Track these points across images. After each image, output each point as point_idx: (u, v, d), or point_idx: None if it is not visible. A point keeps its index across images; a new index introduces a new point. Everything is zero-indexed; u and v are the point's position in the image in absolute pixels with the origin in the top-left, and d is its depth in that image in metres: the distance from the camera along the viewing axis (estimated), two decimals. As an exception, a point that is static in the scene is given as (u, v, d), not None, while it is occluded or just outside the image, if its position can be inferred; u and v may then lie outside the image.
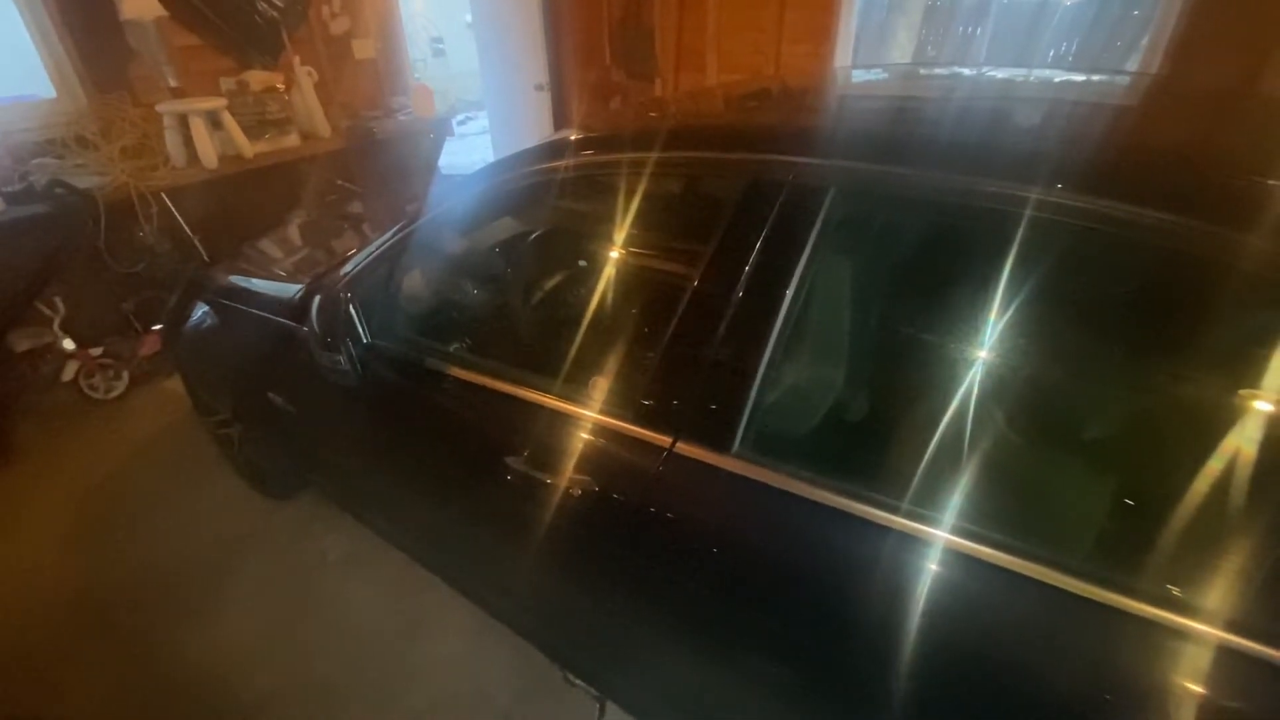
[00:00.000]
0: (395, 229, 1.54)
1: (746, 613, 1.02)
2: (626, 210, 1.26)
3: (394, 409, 1.48)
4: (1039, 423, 1.13)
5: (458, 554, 1.63)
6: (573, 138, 1.32)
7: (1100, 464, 1.07)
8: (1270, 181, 0.77)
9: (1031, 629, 0.80)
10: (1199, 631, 0.70)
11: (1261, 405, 0.82)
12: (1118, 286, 1.05)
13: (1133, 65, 2.89)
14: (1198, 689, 0.70)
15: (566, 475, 1.12)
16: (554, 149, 1.32)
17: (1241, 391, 0.86)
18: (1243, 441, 0.81)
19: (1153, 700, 0.72)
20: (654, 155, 1.15)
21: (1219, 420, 0.84)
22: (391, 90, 4.15)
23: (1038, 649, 0.79)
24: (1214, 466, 0.82)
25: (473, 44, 4.52)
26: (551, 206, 1.41)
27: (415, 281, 1.49)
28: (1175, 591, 0.73)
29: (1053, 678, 0.78)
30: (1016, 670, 0.80)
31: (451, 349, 1.44)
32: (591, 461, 1.11)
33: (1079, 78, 1.49)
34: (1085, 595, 0.75)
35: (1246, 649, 0.68)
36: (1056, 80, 1.46)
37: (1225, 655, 0.69)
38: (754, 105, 1.44)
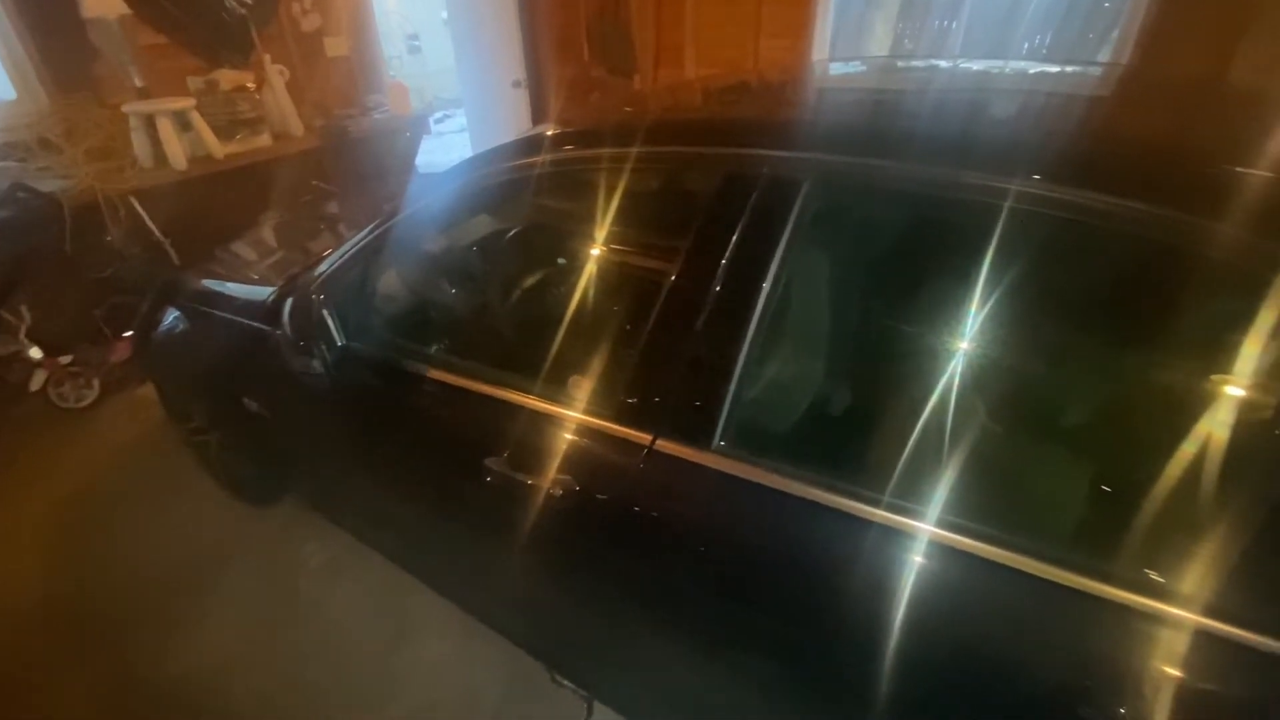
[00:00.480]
0: (369, 229, 1.51)
1: (730, 609, 1.01)
2: (603, 207, 1.24)
3: (372, 412, 1.46)
4: (1020, 413, 1.14)
5: (440, 558, 1.61)
6: (547, 134, 1.30)
7: (1082, 453, 1.08)
8: (1238, 170, 0.78)
9: (1015, 619, 0.80)
10: (1179, 617, 0.71)
11: (1239, 392, 0.82)
12: (1094, 276, 1.06)
13: (1105, 57, 2.93)
14: (1178, 673, 0.70)
15: (547, 476, 1.11)
16: (528, 145, 1.31)
17: (1221, 378, 0.86)
18: (1223, 428, 0.82)
19: (1134, 685, 0.72)
20: (630, 150, 1.14)
21: (1198, 408, 0.85)
22: (366, 88, 4.08)
23: (1021, 638, 0.80)
24: (1196, 453, 0.83)
25: (449, 41, 4.47)
26: (527, 203, 1.39)
27: (391, 282, 1.46)
28: (1155, 578, 0.74)
29: (1035, 666, 0.79)
30: (1001, 660, 0.81)
31: (429, 350, 1.42)
32: (572, 461, 1.10)
33: (1051, 69, 1.50)
34: (1068, 584, 0.76)
35: (1226, 633, 0.69)
36: (1029, 72, 1.47)
37: (1205, 640, 0.70)
38: (730, 100, 1.43)
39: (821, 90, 1.51)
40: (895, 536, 0.86)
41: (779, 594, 0.96)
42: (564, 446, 1.11)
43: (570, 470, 1.10)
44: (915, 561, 0.84)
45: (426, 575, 1.75)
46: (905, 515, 0.86)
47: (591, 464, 1.09)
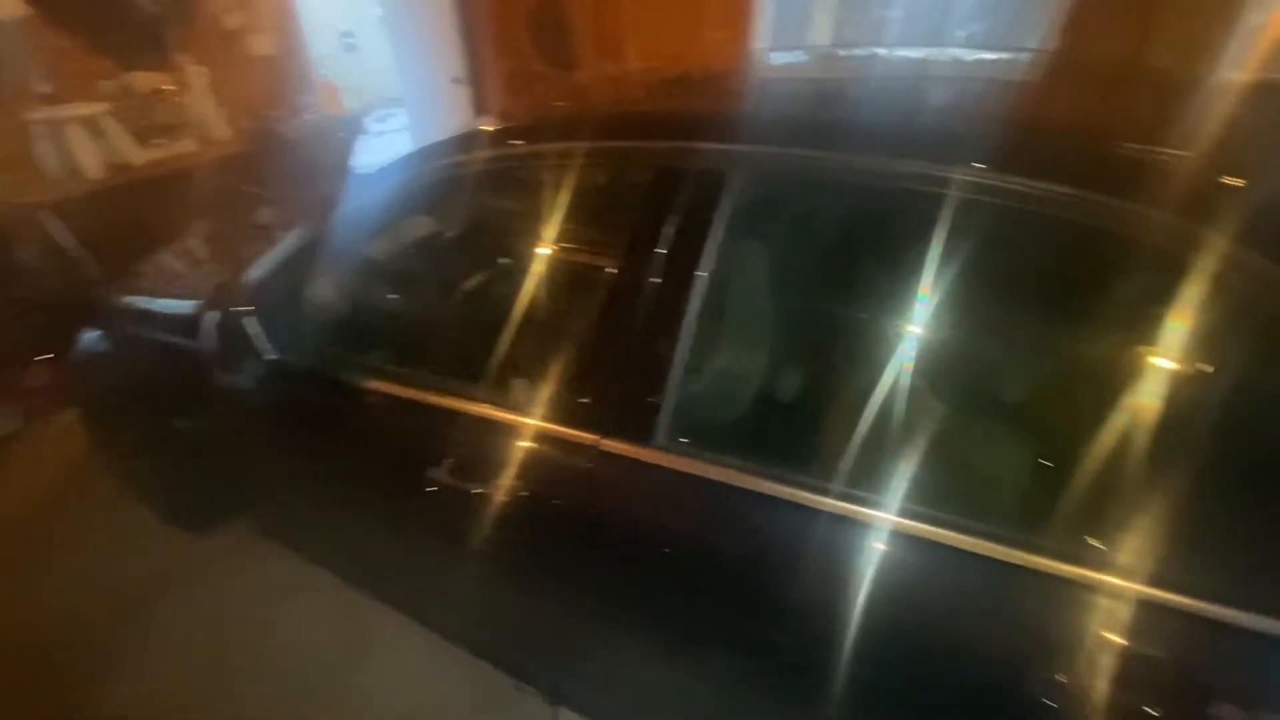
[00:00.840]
0: (300, 234, 1.45)
1: (683, 605, 1.01)
2: (539, 204, 1.22)
3: (310, 427, 1.40)
4: (966, 395, 1.16)
5: (393, 574, 1.56)
6: (481, 130, 1.27)
7: (1031, 433, 1.10)
8: (1152, 151, 0.80)
9: (969, 599, 0.82)
10: (1124, 588, 0.73)
11: (1171, 365, 0.85)
12: (1026, 258, 1.07)
13: (1035, 42, 3.01)
14: (1119, 640, 0.72)
15: (495, 483, 1.08)
16: (460, 143, 1.27)
17: (1155, 352, 0.88)
18: (1157, 400, 0.84)
19: (1078, 655, 0.74)
20: (565, 146, 1.13)
21: (1133, 382, 0.87)
22: (297, 88, 3.91)
23: (975, 618, 0.81)
24: (1133, 426, 0.84)
25: (387, 38, 4.31)
26: (459, 203, 1.35)
27: (324, 289, 1.40)
28: (1097, 550, 0.76)
29: (988, 645, 0.80)
30: (955, 641, 0.82)
31: (368, 360, 1.37)
32: (519, 467, 1.08)
33: (980, 56, 1.54)
34: (1016, 562, 0.77)
35: (1165, 600, 0.71)
36: (958, 59, 1.50)
37: (1145, 607, 0.72)
38: (666, 93, 1.42)
39: (755, 82, 1.51)
40: (844, 524, 0.86)
41: (729, 587, 0.95)
42: (511, 452, 1.08)
43: (518, 476, 1.08)
44: (866, 548, 0.85)
45: (381, 592, 1.69)
46: (853, 502, 0.86)
47: (539, 468, 1.07)
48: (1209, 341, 0.78)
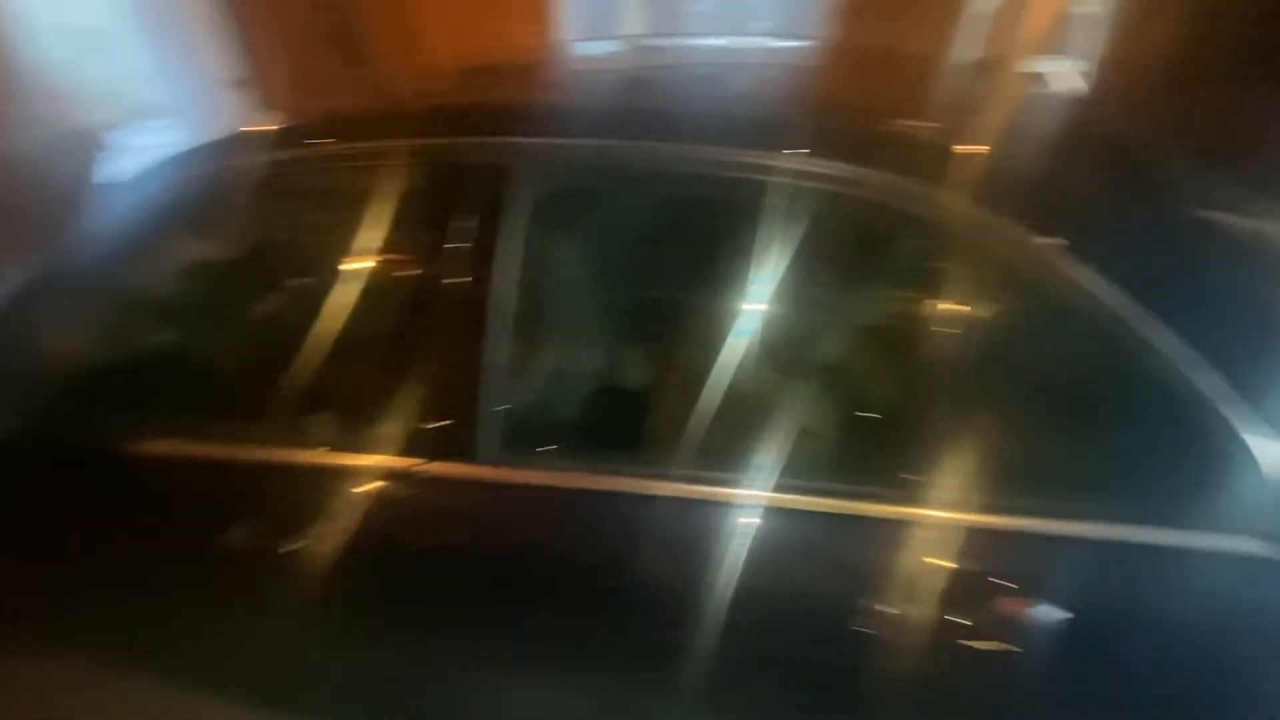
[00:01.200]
0: (22, 274, 1.18)
1: (538, 616, 0.97)
2: (327, 213, 1.09)
3: (63, 511, 1.13)
4: (789, 365, 1.21)
5: (208, 658, 1.32)
6: (244, 133, 1.11)
7: (853, 392, 1.17)
8: (900, 125, 0.88)
9: (816, 557, 0.86)
10: (943, 518, 0.80)
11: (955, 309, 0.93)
12: (820, 232, 1.14)
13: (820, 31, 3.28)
14: (947, 564, 0.80)
15: (311, 534, 0.95)
16: (221, 149, 1.10)
17: (931, 302, 0.97)
18: (943, 348, 0.92)
19: (904, 584, 0.80)
20: (348, 147, 1.04)
21: (926, 331, 0.94)
22: (13, 98, 3.22)
23: (823, 575, 0.86)
24: (928, 374, 0.92)
25: (145, 36, 3.72)
26: (228, 215, 1.16)
27: (61, 337, 1.14)
28: (916, 485, 0.82)
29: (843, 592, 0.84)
30: (821, 598, 0.86)
31: (132, 417, 1.13)
32: (336, 510, 0.96)
33: (768, 44, 1.63)
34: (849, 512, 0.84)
35: (984, 523, 0.80)
36: (756, 48, 1.58)
37: (966, 532, 0.80)
38: (457, 87, 1.35)
39: (553, 74, 1.50)
40: (688, 506, 0.87)
41: (581, 591, 0.94)
42: (324, 496, 0.95)
43: (336, 520, 0.95)
44: (716, 526, 0.85)
45: (203, 682, 1.43)
46: (693, 483, 0.88)
47: (359, 507, 0.96)
48: (978, 292, 0.87)
